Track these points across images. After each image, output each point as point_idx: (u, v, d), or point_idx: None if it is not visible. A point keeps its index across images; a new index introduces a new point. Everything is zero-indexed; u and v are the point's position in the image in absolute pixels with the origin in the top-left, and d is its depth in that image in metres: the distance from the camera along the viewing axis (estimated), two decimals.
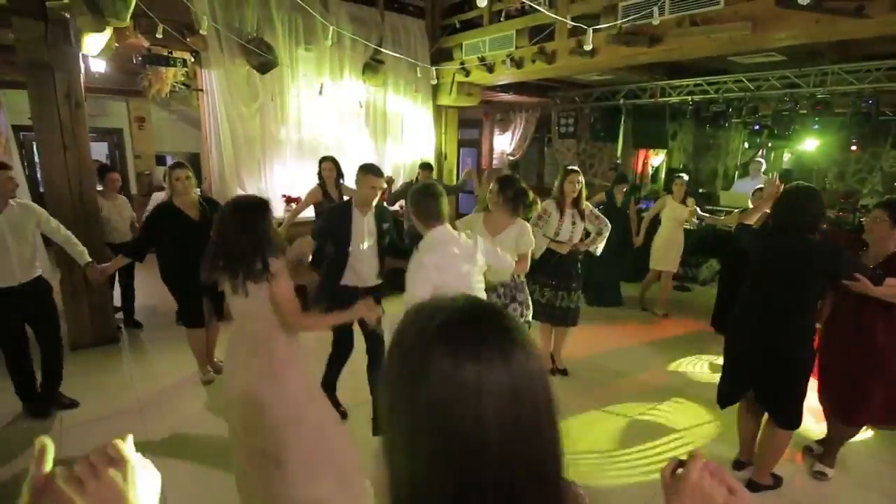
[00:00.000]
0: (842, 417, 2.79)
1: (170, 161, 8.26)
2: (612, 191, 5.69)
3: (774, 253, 2.54)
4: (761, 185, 4.93)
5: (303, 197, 4.78)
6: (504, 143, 10.28)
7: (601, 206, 5.27)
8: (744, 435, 2.88)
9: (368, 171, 2.89)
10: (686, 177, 5.51)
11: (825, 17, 3.20)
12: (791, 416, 2.55)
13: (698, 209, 5.45)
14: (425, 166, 5.44)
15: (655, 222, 5.63)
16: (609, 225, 3.83)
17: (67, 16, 3.16)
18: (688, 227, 5.52)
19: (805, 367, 2.53)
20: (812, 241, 2.44)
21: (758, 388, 2.63)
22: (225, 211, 2.00)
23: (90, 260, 3.24)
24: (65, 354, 3.44)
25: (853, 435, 2.91)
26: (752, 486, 2.72)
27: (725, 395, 2.80)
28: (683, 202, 5.36)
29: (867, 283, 2.37)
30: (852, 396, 2.71)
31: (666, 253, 5.43)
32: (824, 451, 2.93)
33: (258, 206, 1.97)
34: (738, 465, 2.90)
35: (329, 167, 4.53)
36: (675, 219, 5.37)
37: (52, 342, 3.29)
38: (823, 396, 2.89)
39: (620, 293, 5.95)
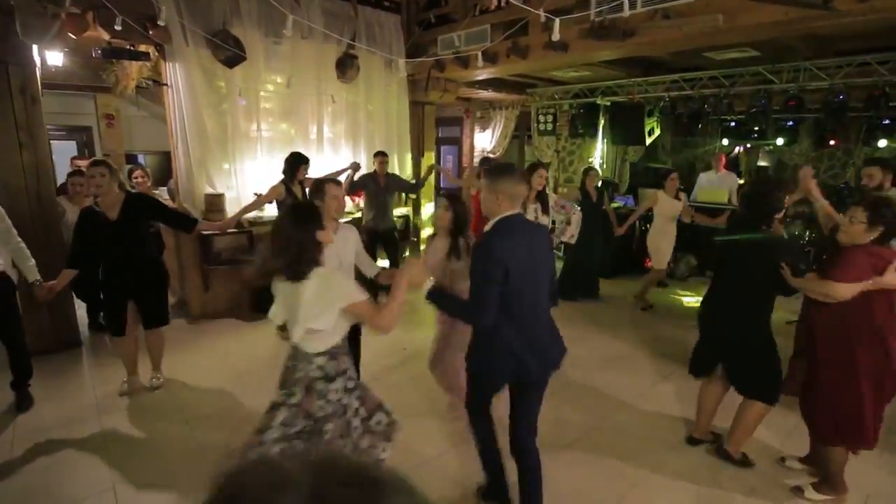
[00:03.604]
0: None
1: (141, 160, 8.07)
2: (584, 187, 5.64)
3: (733, 246, 2.67)
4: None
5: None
6: (484, 141, 10.25)
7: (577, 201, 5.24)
8: (707, 406, 2.92)
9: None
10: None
11: (795, 10, 3.21)
12: (762, 390, 2.63)
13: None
14: (378, 154, 5.28)
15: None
16: (578, 209, 3.78)
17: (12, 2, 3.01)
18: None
19: (768, 344, 2.60)
20: (764, 233, 2.58)
21: (728, 371, 2.75)
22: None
23: (39, 278, 3.08)
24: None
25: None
26: (723, 453, 2.80)
27: (698, 366, 2.90)
28: (676, 197, 5.33)
29: (787, 272, 2.42)
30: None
31: (658, 248, 5.46)
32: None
33: None
34: (692, 441, 2.98)
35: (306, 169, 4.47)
36: (667, 214, 5.35)
37: (15, 338, 3.24)
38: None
39: (598, 285, 5.92)
